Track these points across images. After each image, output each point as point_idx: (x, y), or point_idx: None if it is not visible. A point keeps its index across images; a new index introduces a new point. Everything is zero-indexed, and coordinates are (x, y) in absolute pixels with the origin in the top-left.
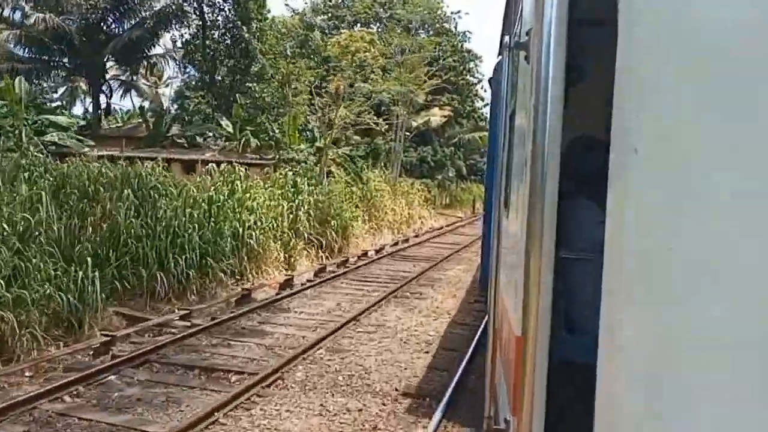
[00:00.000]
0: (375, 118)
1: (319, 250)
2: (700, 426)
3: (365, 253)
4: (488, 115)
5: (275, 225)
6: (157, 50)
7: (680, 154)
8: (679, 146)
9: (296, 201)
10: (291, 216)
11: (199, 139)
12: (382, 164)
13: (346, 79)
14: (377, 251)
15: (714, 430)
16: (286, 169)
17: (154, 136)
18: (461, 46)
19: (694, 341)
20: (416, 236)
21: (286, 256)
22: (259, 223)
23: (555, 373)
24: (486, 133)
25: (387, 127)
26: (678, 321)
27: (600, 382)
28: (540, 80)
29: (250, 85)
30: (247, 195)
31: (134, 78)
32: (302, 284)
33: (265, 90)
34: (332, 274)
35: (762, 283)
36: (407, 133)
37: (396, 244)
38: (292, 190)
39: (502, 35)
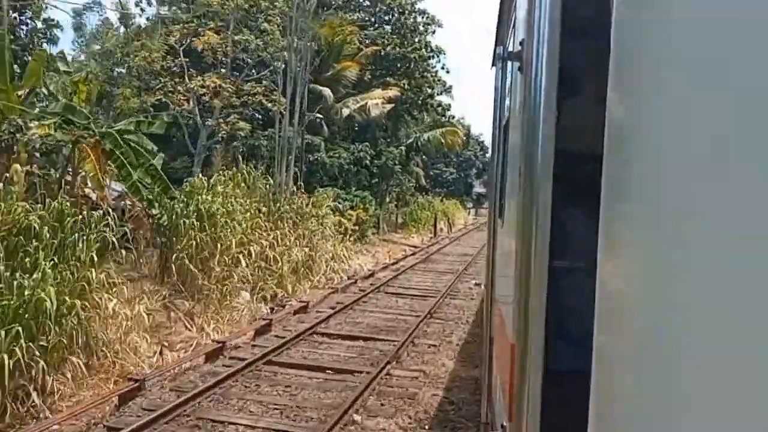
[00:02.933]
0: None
1: None
2: None
3: None
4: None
5: None
6: None
7: (672, 164)
8: (671, 157)
9: None
10: None
11: None
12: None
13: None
14: None
15: None
16: None
17: None
18: (412, 5)
19: (686, 349)
20: (302, 309)
21: None
22: None
23: (549, 379)
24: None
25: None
26: (670, 329)
27: (594, 389)
28: (533, 90)
29: None
30: None
31: None
32: None
33: None
34: None
35: (756, 289)
36: (318, 116)
37: (214, 356)
38: None
39: (496, 46)
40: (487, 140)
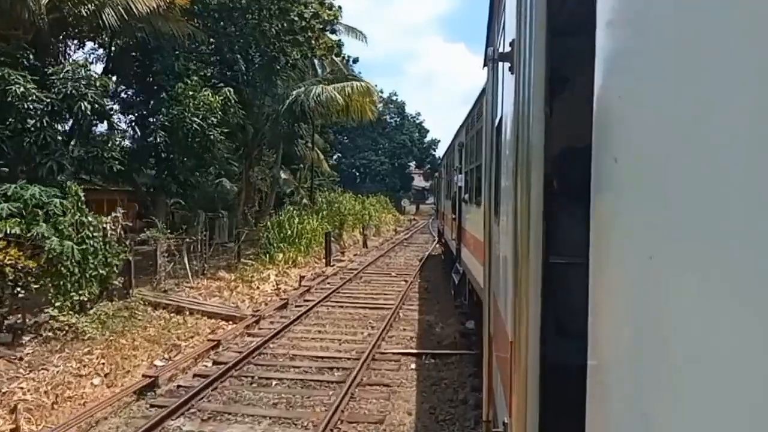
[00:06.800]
0: None
1: None
2: (688, 426)
3: None
4: None
5: None
6: None
7: (659, 163)
8: (659, 155)
9: None
10: None
11: None
12: None
13: None
14: None
15: (701, 430)
16: None
17: None
18: None
19: (678, 344)
20: None
21: None
22: None
23: (548, 374)
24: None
25: None
26: (662, 324)
27: (590, 382)
28: (524, 90)
29: None
30: None
31: None
32: None
33: None
34: None
35: (745, 288)
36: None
37: None
38: None
39: (486, 47)
40: (427, 121)
